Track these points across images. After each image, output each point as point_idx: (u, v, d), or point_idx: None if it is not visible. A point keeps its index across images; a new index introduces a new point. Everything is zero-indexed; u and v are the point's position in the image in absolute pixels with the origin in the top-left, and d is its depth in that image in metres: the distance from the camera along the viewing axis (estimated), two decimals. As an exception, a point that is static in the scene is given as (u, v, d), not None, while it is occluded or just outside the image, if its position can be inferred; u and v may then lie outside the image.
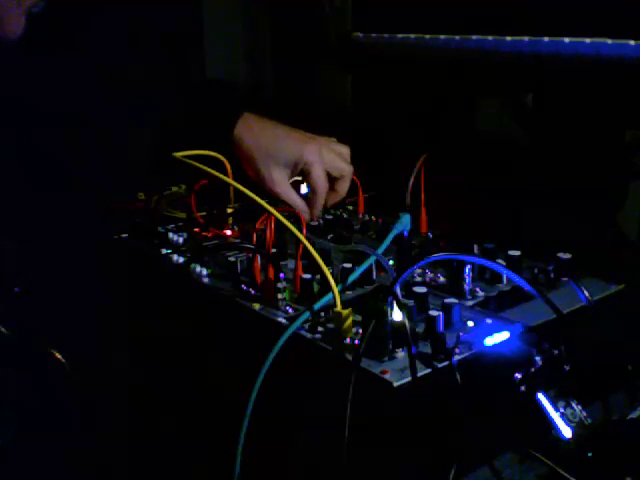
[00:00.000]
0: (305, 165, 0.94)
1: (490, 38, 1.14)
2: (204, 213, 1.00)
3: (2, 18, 0.72)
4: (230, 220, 1.00)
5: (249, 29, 1.67)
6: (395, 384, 0.62)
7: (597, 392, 0.69)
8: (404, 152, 1.00)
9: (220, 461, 0.66)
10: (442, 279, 0.83)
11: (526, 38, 1.09)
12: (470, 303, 0.77)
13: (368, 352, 0.64)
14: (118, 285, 0.91)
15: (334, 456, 0.59)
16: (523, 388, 0.65)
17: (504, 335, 0.69)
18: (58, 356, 0.82)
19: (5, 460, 0.77)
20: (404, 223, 0.83)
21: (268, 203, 0.76)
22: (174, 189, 1.13)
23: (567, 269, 0.80)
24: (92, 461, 0.82)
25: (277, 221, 0.75)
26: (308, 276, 0.79)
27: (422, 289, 0.75)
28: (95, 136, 0.95)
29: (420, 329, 0.70)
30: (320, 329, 0.72)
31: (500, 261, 0.79)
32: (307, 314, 0.70)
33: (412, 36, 1.27)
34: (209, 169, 0.79)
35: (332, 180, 0.97)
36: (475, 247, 0.86)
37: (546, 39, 1.07)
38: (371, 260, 0.78)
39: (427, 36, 1.24)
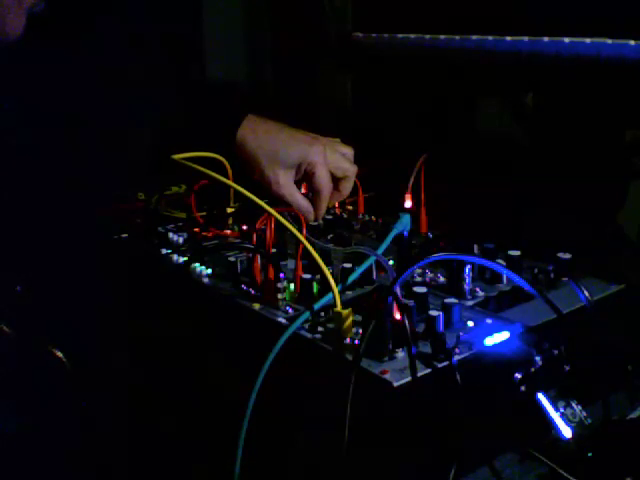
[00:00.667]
0: (309, 166, 0.93)
1: (490, 38, 1.14)
2: (204, 213, 1.00)
3: (3, 18, 0.72)
4: (230, 220, 1.00)
5: (249, 29, 1.67)
6: (395, 384, 0.62)
7: (597, 392, 0.69)
8: (404, 152, 1.00)
9: (220, 461, 0.66)
10: (442, 279, 0.83)
11: (526, 38, 1.09)
12: (470, 303, 0.77)
13: (368, 352, 0.64)
14: (118, 285, 0.91)
15: (334, 456, 0.59)
16: (523, 388, 0.65)
17: (504, 335, 0.69)
18: (59, 355, 0.82)
19: (5, 459, 0.77)
20: (404, 223, 0.83)
21: (268, 204, 0.76)
22: (174, 189, 1.13)
23: (567, 269, 0.80)
24: (92, 461, 0.82)
25: (277, 221, 0.75)
26: (308, 276, 0.79)
27: (422, 289, 0.74)
28: (95, 136, 0.95)
29: (420, 329, 0.70)
30: (320, 329, 0.72)
31: (500, 261, 0.79)
32: (307, 314, 0.70)
33: (412, 36, 1.27)
34: (209, 171, 0.79)
35: (335, 180, 0.97)
36: (475, 247, 0.86)
37: (546, 39, 1.07)
38: (371, 260, 0.78)
39: (427, 36, 1.24)
